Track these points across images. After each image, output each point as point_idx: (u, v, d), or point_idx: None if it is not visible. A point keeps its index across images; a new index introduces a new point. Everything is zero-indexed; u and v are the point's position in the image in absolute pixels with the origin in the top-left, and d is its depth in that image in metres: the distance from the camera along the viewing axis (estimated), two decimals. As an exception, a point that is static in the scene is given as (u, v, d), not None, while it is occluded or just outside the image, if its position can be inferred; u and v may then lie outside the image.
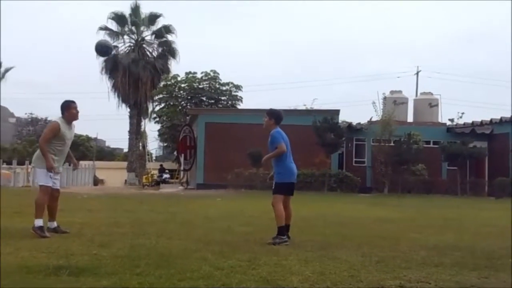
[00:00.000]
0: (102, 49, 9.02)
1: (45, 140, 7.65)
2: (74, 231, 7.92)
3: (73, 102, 7.88)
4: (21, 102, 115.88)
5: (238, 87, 46.11)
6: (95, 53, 8.16)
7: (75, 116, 7.87)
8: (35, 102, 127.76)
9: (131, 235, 7.67)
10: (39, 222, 7.37)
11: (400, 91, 32.70)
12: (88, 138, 66.56)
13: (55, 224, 7.81)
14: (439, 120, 32.58)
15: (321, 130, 24.94)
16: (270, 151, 7.60)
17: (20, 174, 35.99)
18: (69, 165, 10.33)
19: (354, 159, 29.10)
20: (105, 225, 8.97)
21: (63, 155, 7.86)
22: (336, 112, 28.63)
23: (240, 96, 46.48)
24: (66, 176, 39.62)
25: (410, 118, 32.59)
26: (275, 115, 7.73)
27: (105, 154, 70.24)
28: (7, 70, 46.76)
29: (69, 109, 7.78)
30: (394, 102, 29.99)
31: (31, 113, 74.48)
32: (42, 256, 5.70)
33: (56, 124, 7.70)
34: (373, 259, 6.22)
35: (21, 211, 11.07)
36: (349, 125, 29.07)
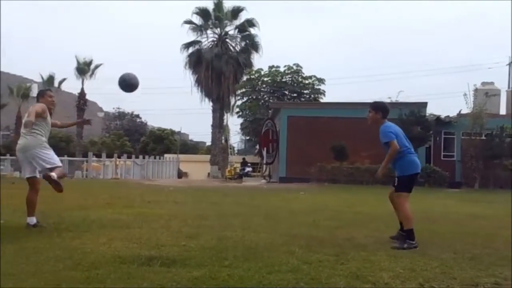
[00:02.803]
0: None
1: (36, 116, 7.09)
2: (163, 223, 8.10)
3: (49, 89, 7.76)
4: (109, 97, 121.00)
5: (320, 81, 45.96)
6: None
7: (50, 104, 7.44)
8: (122, 97, 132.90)
9: (217, 227, 7.75)
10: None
11: (492, 83, 31.66)
12: (172, 132, 68.48)
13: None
14: (534, 113, 31.09)
15: (407, 124, 24.29)
16: (383, 147, 6.90)
17: (109, 167, 37.56)
18: None
19: (442, 153, 28.28)
20: (192, 217, 9.11)
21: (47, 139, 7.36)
22: (423, 104, 28.02)
23: (322, 90, 46.33)
24: (152, 169, 41.04)
25: (502, 111, 31.43)
26: (381, 108, 6.99)
27: (189, 147, 72.01)
28: (96, 67, 48.85)
29: (43, 97, 7.47)
30: (486, 94, 28.90)
31: (118, 108, 77.59)
32: (134, 247, 5.85)
33: (43, 104, 7.35)
34: (466, 256, 5.99)
35: (112, 202, 11.54)
36: (437, 118, 28.26)
